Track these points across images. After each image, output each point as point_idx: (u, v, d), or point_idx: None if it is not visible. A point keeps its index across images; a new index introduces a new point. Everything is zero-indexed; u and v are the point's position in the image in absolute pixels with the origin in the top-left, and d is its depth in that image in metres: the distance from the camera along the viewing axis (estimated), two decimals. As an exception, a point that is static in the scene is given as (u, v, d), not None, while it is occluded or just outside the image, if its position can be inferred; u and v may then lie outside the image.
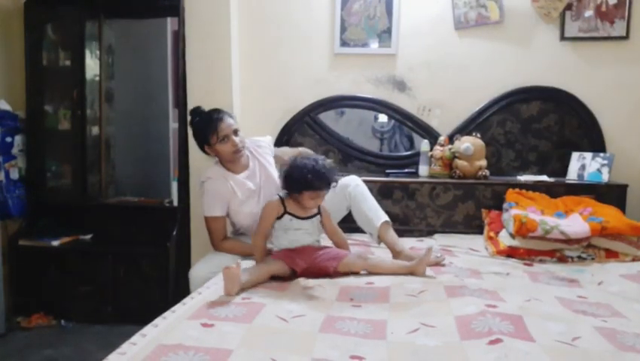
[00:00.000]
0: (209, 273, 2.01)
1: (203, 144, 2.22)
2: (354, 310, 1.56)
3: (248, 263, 1.97)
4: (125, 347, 1.26)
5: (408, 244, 2.47)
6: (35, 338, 2.61)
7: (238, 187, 2.20)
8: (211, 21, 2.75)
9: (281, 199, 1.97)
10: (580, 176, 2.74)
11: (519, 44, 2.88)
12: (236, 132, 2.19)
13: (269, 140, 2.49)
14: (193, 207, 2.85)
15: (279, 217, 1.96)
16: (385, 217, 2.22)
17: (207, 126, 2.16)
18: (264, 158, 2.34)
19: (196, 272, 2.14)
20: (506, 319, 1.41)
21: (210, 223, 2.21)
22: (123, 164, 3.22)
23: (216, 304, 1.57)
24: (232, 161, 2.22)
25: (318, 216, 2.01)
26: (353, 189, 2.28)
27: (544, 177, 2.77)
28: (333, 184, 1.92)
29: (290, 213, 1.95)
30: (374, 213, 2.22)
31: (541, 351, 1.22)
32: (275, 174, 2.29)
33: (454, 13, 2.88)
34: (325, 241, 2.10)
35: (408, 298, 1.66)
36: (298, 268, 1.89)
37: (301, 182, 1.87)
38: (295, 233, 1.96)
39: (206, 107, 2.75)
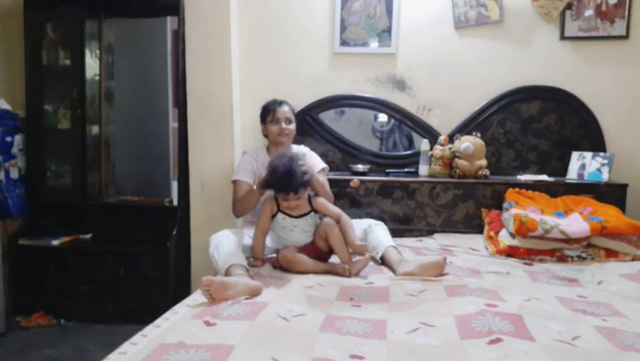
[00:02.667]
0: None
1: (262, 123, 2.55)
2: (354, 309, 1.56)
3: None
4: (125, 346, 1.26)
5: (408, 243, 2.48)
6: (35, 337, 2.61)
7: (264, 165, 2.32)
8: (211, 20, 2.75)
9: (276, 198, 2.06)
10: (580, 175, 2.74)
11: (519, 44, 2.88)
12: (287, 120, 2.49)
13: (319, 163, 2.55)
14: (193, 207, 2.85)
15: (274, 215, 2.06)
16: (394, 244, 2.21)
17: (267, 106, 2.52)
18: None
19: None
20: (506, 318, 1.41)
21: (234, 186, 2.44)
22: (123, 163, 3.22)
23: (221, 303, 1.57)
24: (276, 143, 2.50)
25: (312, 213, 2.09)
26: (376, 225, 2.33)
27: (544, 177, 2.77)
28: (302, 190, 2.00)
29: (283, 212, 2.05)
30: (387, 239, 2.23)
31: (541, 350, 1.23)
32: None
33: (454, 12, 2.88)
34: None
35: (408, 298, 1.67)
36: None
37: (271, 184, 2.03)
38: (293, 233, 2.05)
39: (207, 106, 2.79)
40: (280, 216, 2.06)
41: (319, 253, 2.06)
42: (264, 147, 2.59)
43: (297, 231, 2.07)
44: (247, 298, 1.62)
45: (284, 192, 1.98)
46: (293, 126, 2.52)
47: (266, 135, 2.58)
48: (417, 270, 1.91)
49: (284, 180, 1.96)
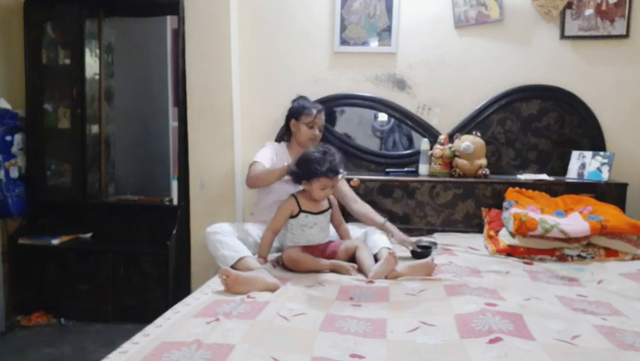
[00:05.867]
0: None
1: (293, 117, 2.52)
2: (354, 309, 1.56)
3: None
4: (126, 345, 1.27)
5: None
6: (34, 336, 2.61)
7: (282, 160, 2.42)
8: (211, 19, 2.75)
9: (296, 199, 2.11)
10: (580, 175, 2.73)
11: (519, 43, 2.87)
12: (320, 128, 2.53)
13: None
14: (193, 206, 2.85)
15: (295, 216, 2.09)
16: (390, 246, 2.20)
17: (309, 108, 2.50)
18: None
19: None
20: (506, 317, 1.41)
21: (251, 166, 2.38)
22: (123, 162, 3.22)
23: (222, 302, 1.57)
24: (302, 144, 2.49)
25: (330, 210, 2.17)
26: (374, 230, 2.33)
27: (544, 176, 2.77)
28: (340, 174, 2.09)
29: (305, 211, 2.09)
30: (383, 241, 2.22)
31: (541, 350, 1.23)
32: None
33: (454, 11, 2.87)
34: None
35: (408, 297, 1.67)
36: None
37: (311, 171, 2.02)
38: (311, 231, 2.10)
39: (207, 106, 2.79)
40: (302, 215, 2.09)
41: (328, 256, 2.08)
42: (284, 145, 2.58)
43: (315, 228, 2.11)
44: (249, 297, 1.63)
45: (329, 176, 2.02)
46: (321, 134, 2.56)
47: (289, 130, 2.55)
48: (406, 271, 1.91)
49: (329, 165, 2.02)
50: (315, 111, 2.49)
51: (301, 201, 2.10)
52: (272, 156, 2.47)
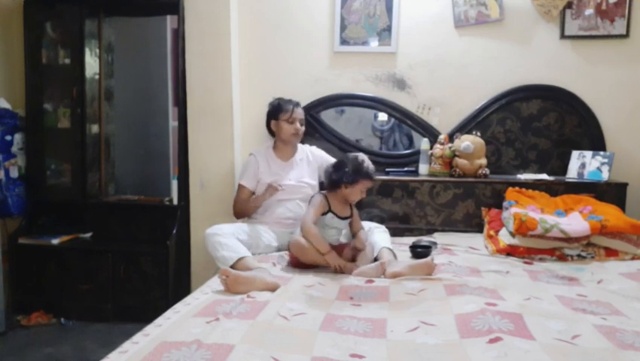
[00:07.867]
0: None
1: (272, 118, 2.55)
2: (354, 308, 1.57)
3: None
4: (126, 345, 1.27)
5: (407, 242, 2.48)
6: (34, 336, 2.61)
7: (270, 170, 2.50)
8: (211, 19, 2.75)
9: (326, 198, 2.13)
10: (580, 174, 2.73)
11: (519, 42, 2.87)
12: (301, 122, 2.55)
13: (330, 159, 2.63)
14: (193, 205, 2.85)
15: (323, 214, 2.11)
16: (390, 246, 2.23)
17: (284, 105, 2.53)
18: (312, 158, 2.63)
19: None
20: (506, 317, 1.41)
21: (238, 189, 2.53)
22: (123, 162, 3.22)
23: (222, 301, 1.57)
24: (287, 142, 2.54)
25: (351, 218, 2.19)
26: (376, 227, 2.36)
27: (544, 176, 2.77)
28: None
29: (332, 212, 2.12)
30: (383, 240, 2.24)
31: (541, 349, 1.23)
32: (307, 178, 2.55)
33: (454, 11, 2.87)
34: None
35: (408, 297, 1.67)
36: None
37: (360, 173, 2.09)
38: (331, 232, 2.13)
39: (207, 106, 2.80)
40: (329, 215, 2.12)
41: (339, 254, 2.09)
42: (270, 147, 2.60)
43: (333, 230, 2.15)
44: (249, 297, 1.63)
45: (372, 179, 2.13)
46: (304, 128, 2.58)
47: (272, 131, 2.58)
48: (405, 270, 1.91)
49: (371, 169, 2.13)
50: (291, 106, 2.52)
51: (331, 201, 2.13)
52: (255, 171, 2.50)
